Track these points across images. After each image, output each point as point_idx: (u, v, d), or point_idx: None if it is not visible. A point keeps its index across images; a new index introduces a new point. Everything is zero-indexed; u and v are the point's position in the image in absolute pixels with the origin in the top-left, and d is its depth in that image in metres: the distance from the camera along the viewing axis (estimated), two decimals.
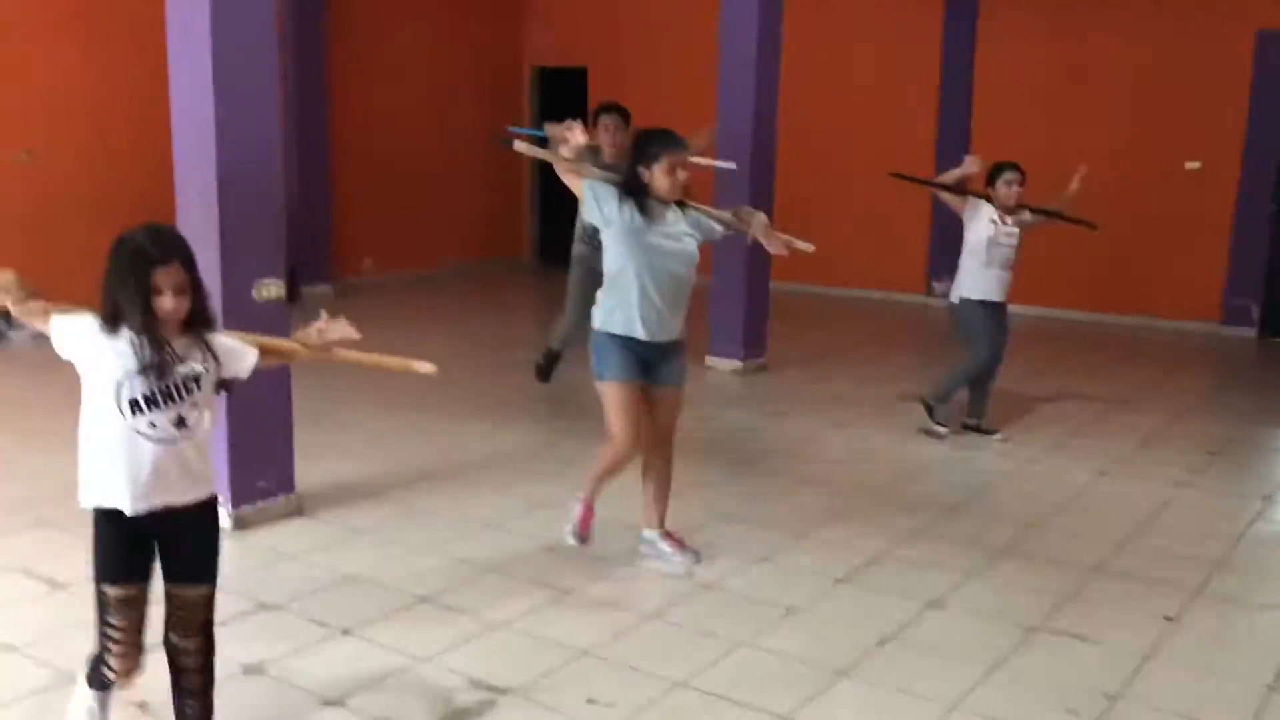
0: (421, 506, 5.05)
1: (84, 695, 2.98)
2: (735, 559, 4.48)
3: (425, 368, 2.94)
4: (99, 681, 2.93)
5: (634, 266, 4.11)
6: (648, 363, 4.22)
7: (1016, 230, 6.10)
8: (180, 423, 2.66)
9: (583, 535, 4.38)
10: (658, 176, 4.11)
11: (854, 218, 10.73)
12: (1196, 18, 9.41)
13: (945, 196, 6.23)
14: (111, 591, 2.73)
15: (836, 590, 4.23)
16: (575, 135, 4.46)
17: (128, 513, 2.66)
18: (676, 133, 4.21)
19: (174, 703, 2.91)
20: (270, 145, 4.68)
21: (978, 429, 6.27)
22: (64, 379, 2.93)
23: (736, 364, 7.78)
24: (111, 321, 2.60)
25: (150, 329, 2.58)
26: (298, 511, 4.90)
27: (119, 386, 2.60)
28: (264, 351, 2.85)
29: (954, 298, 6.17)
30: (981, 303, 6.06)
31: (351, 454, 5.75)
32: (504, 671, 3.54)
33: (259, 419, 4.74)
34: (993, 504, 5.24)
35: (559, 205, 12.72)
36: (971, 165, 6.22)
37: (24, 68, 8.73)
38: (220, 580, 3.67)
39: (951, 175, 6.24)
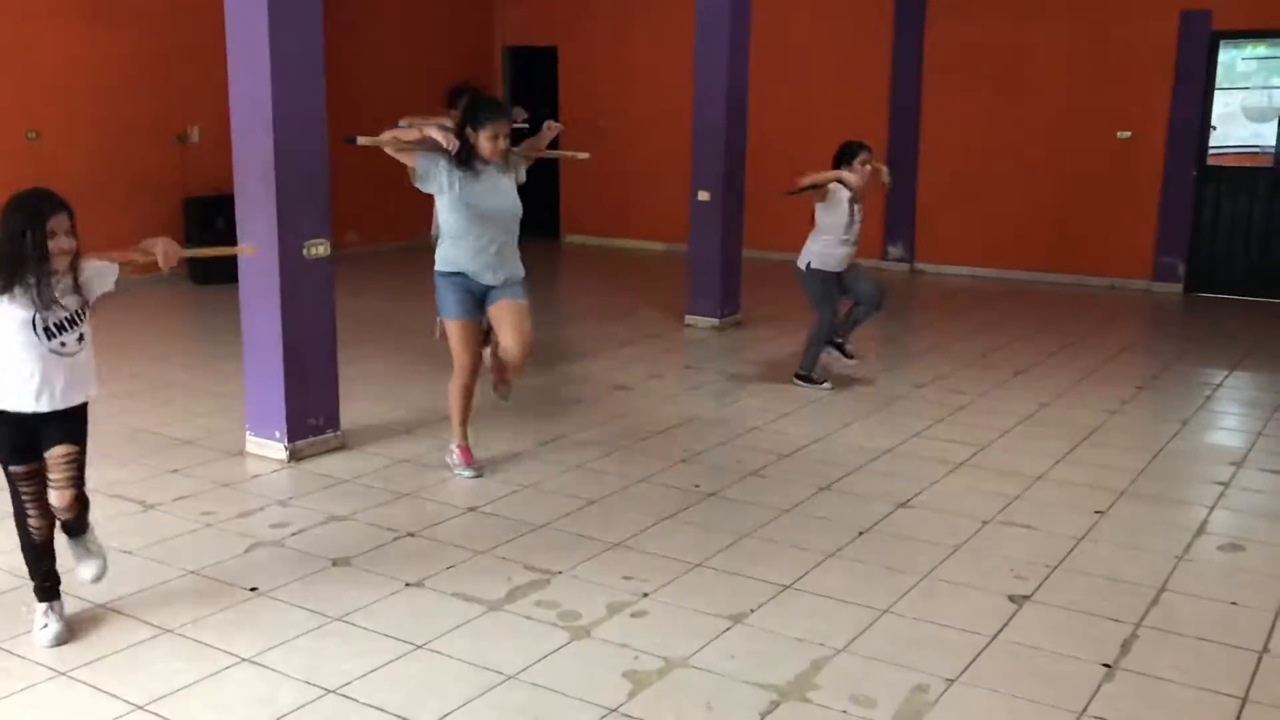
0: (447, 440, 5.71)
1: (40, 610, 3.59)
2: (734, 473, 5.22)
3: (248, 250, 4.34)
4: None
5: (466, 220, 4.81)
6: (482, 298, 4.97)
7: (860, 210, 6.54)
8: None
9: (468, 464, 5.19)
10: (482, 140, 4.75)
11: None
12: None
13: (811, 192, 6.45)
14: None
15: (821, 495, 4.97)
16: (432, 130, 4.85)
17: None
18: (505, 104, 5.00)
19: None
20: (318, 122, 5.29)
21: (841, 348, 6.77)
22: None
23: (714, 321, 8.50)
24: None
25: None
26: (343, 446, 5.54)
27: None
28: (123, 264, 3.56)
29: (802, 265, 6.56)
30: (827, 273, 6.54)
31: (378, 399, 6.39)
32: (554, 560, 4.23)
33: (310, 364, 5.38)
34: (949, 431, 5.99)
35: (530, 181, 13.36)
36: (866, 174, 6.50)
37: (29, 50, 9.21)
38: (289, 499, 4.34)
39: (827, 175, 6.41)
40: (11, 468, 3.46)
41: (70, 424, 3.47)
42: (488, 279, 4.92)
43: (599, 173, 13.03)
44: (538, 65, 13.37)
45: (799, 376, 6.78)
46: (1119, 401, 6.58)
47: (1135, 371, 7.41)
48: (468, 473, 5.15)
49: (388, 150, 4.84)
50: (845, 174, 6.39)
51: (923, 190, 11.36)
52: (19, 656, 3.47)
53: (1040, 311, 9.46)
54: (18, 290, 3.27)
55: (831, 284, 6.59)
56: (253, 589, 3.95)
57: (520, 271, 5.05)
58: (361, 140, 4.79)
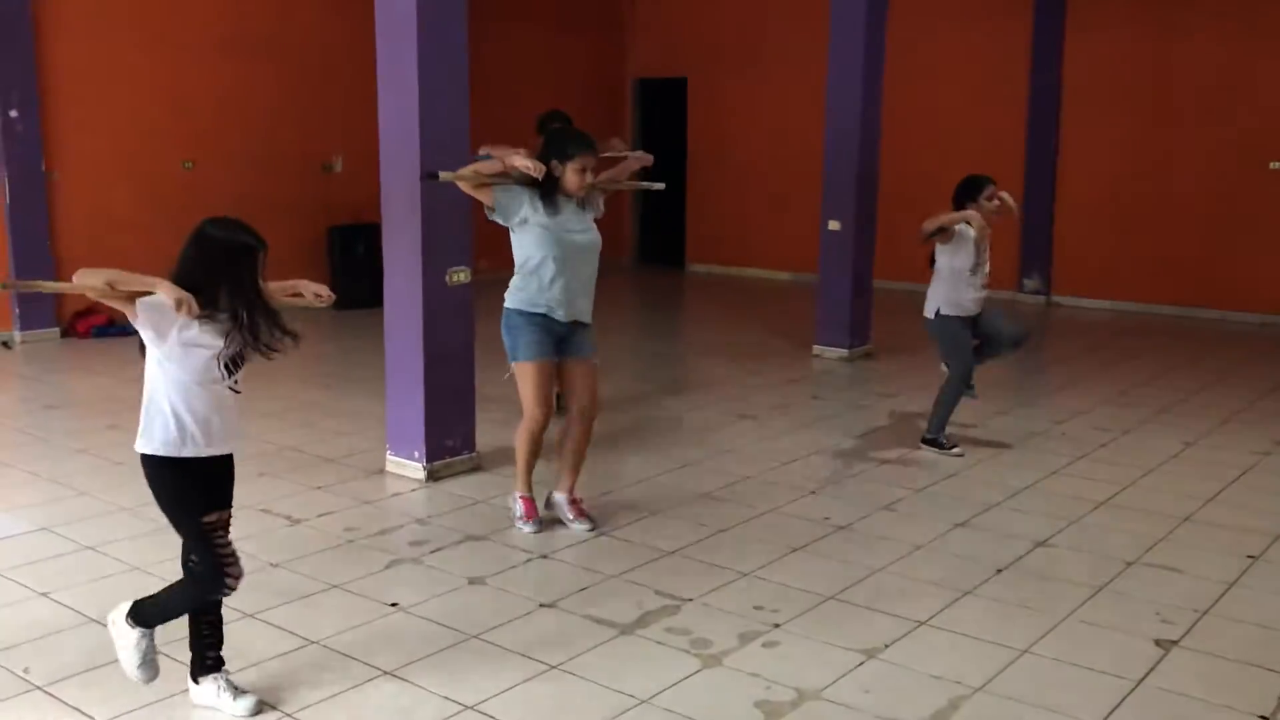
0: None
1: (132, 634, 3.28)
2: (866, 506, 5.16)
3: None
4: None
5: (550, 255, 4.57)
6: (561, 339, 4.70)
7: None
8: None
9: (531, 518, 4.85)
10: (569, 174, 4.55)
11: None
12: (1278, 23, 9.85)
13: (941, 237, 5.91)
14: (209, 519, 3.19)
15: (957, 531, 4.88)
16: (516, 159, 4.59)
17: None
18: (590, 136, 4.72)
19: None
20: (463, 153, 5.45)
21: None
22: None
23: (843, 351, 8.43)
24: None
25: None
26: (478, 467, 5.67)
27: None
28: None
29: (930, 313, 5.99)
30: (961, 319, 5.97)
31: (509, 422, 6.48)
32: (684, 587, 4.25)
33: (450, 388, 5.53)
34: (1090, 469, 5.82)
35: (656, 210, 13.51)
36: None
37: (186, 84, 9.73)
38: (427, 517, 4.34)
39: (955, 216, 5.84)
40: (205, 518, 3.17)
41: (230, 477, 3.30)
42: (563, 314, 4.65)
43: (725, 202, 13.12)
44: (667, 96, 13.53)
45: (926, 441, 6.09)
46: (1271, 443, 6.29)
47: None
48: (529, 527, 4.82)
49: (463, 186, 4.65)
50: (972, 214, 5.80)
51: (1061, 221, 11.09)
52: (174, 660, 3.63)
53: (1184, 348, 9.12)
54: (226, 321, 3.07)
55: (966, 332, 5.98)
56: (393, 604, 4.07)
57: (590, 311, 4.80)
58: (444, 176, 4.63)
